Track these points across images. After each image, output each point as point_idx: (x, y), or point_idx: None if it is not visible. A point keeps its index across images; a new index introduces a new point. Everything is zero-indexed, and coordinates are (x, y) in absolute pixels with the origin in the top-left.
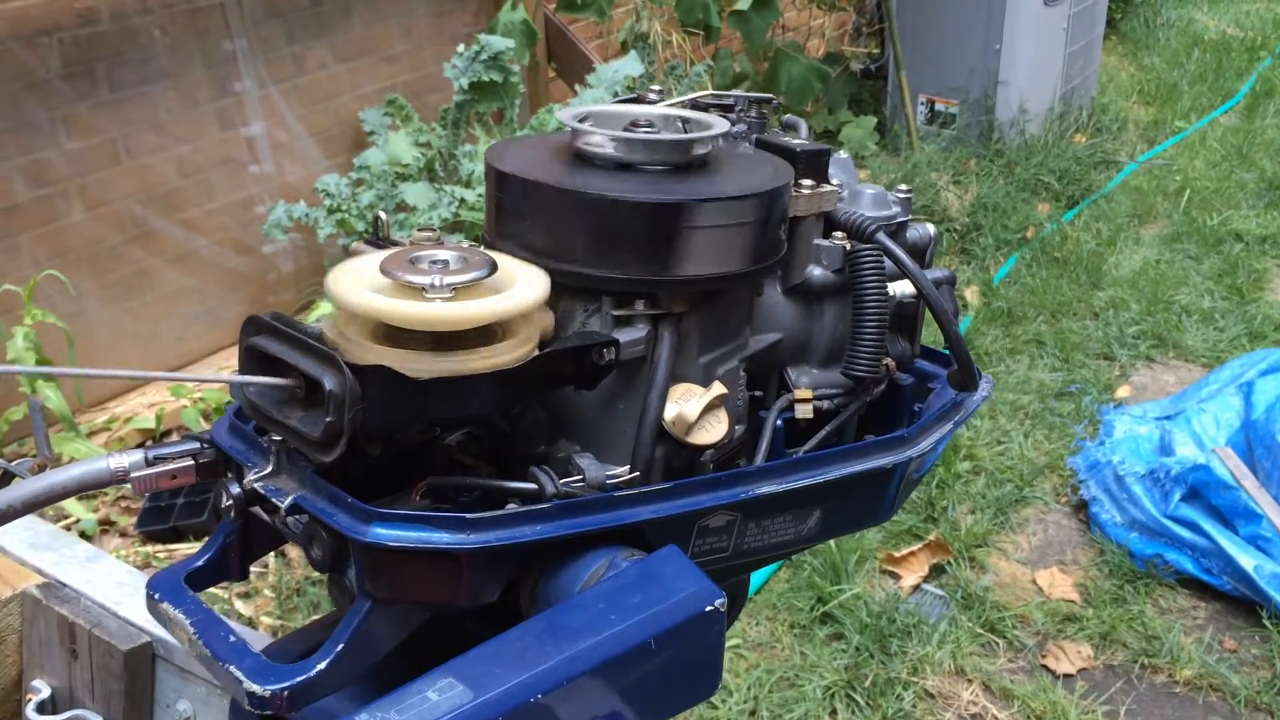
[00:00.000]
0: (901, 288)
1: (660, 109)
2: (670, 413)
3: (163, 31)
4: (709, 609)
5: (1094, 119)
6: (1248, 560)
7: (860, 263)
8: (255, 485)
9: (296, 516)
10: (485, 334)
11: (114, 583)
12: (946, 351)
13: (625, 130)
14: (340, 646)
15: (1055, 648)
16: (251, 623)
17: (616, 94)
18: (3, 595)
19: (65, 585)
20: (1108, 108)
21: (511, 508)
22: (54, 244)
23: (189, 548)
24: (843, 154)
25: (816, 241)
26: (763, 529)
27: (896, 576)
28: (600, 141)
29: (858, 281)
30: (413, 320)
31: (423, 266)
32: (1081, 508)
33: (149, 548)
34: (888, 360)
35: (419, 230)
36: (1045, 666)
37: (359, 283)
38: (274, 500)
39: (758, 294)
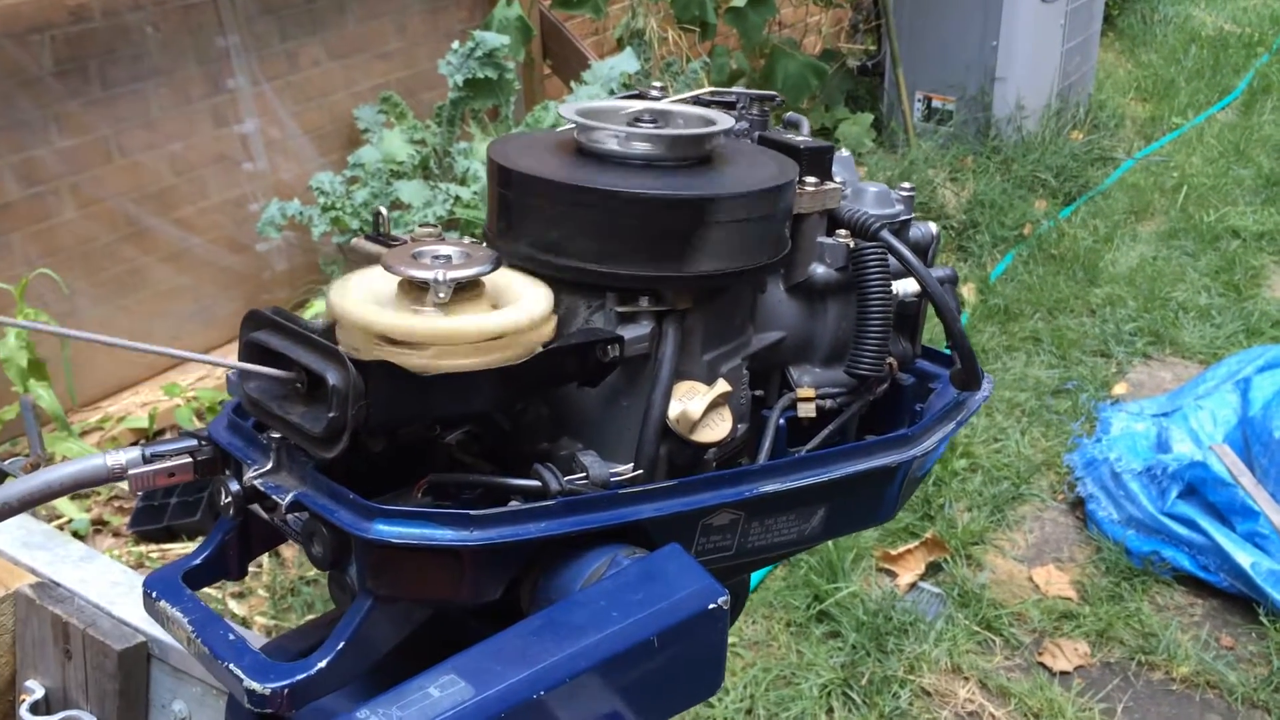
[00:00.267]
0: (904, 286)
1: (663, 105)
2: (674, 410)
3: (155, 28)
4: (712, 607)
5: (1091, 115)
6: (1245, 557)
7: (865, 261)
8: (255, 482)
9: (297, 514)
10: None
11: (108, 582)
12: (947, 351)
13: (630, 126)
14: (342, 644)
15: (1052, 645)
16: (245, 622)
17: (612, 91)
18: None
19: (59, 585)
20: (1105, 104)
21: (515, 505)
22: (46, 242)
23: (183, 548)
24: (844, 152)
25: (820, 239)
26: (766, 528)
27: (893, 574)
28: (605, 137)
29: (862, 280)
30: (414, 335)
31: (425, 261)
32: (1078, 505)
33: (142, 548)
34: (890, 359)
35: (421, 226)
36: (1042, 664)
37: (363, 293)
38: (274, 497)
39: (761, 292)
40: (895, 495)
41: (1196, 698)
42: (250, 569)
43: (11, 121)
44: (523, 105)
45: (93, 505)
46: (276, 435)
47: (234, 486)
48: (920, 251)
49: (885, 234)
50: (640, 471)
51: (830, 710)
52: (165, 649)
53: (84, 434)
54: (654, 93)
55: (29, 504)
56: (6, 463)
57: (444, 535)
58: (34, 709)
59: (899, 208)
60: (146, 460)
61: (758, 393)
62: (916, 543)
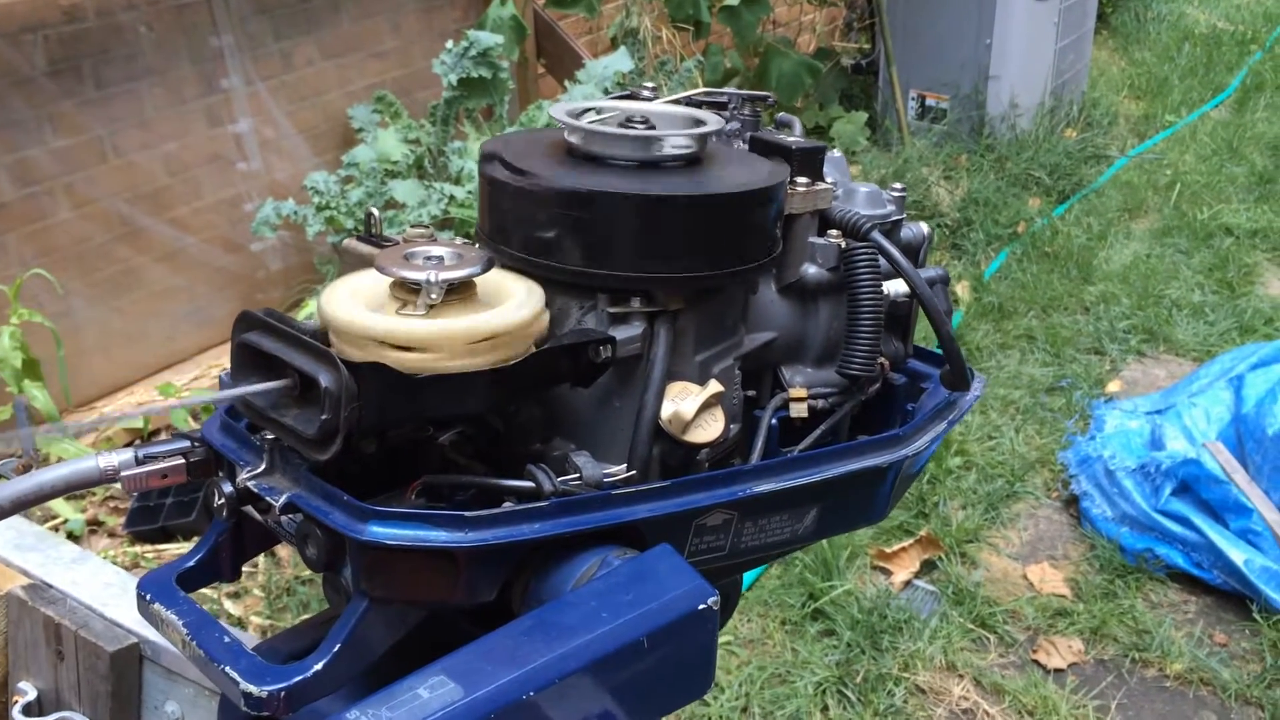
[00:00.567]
0: (895, 287)
1: (655, 105)
2: (667, 411)
3: (149, 28)
4: (702, 607)
5: (1085, 113)
6: (1238, 554)
7: (856, 261)
8: (248, 484)
9: (290, 515)
10: None
11: (100, 583)
12: (939, 351)
13: (621, 126)
14: (337, 646)
15: (1046, 643)
16: (241, 623)
17: (606, 90)
18: None
19: (51, 586)
20: (1098, 102)
21: (509, 506)
22: (40, 243)
23: (178, 548)
24: (836, 152)
25: (811, 240)
26: (759, 528)
27: (888, 572)
28: (596, 138)
29: (853, 280)
30: (406, 337)
31: (417, 262)
32: (1072, 503)
33: (138, 548)
34: (882, 359)
35: (412, 227)
36: (1036, 661)
37: (355, 294)
38: (268, 499)
39: (753, 292)
40: (887, 495)
41: (1190, 695)
42: (246, 569)
43: (5, 122)
44: (517, 104)
45: (88, 506)
46: (270, 437)
47: (227, 488)
48: (911, 252)
49: (876, 235)
50: (633, 472)
51: (825, 708)
52: (158, 650)
53: (79, 434)
54: (645, 93)
55: (21, 506)
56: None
57: (438, 537)
58: (26, 711)
59: (890, 208)
60: (139, 461)
61: (750, 393)
62: (911, 541)
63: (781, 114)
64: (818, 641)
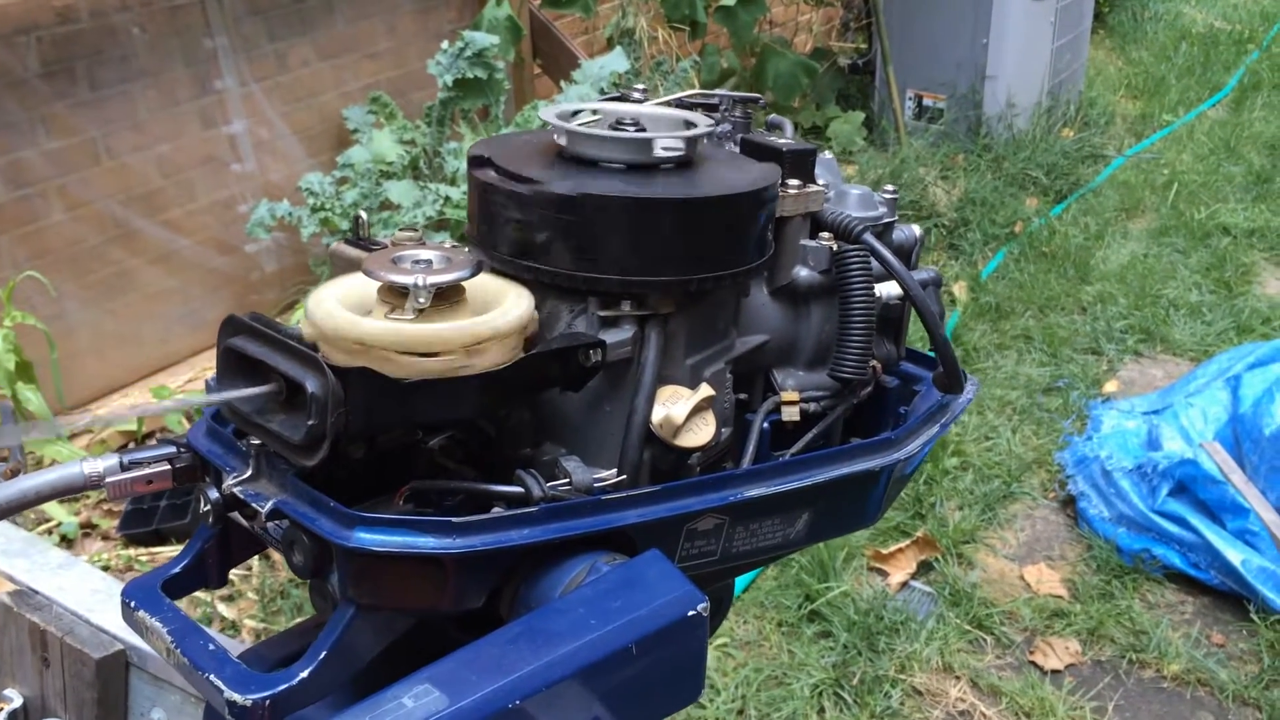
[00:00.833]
0: (888, 289)
1: (645, 108)
2: (658, 415)
3: (142, 29)
4: (691, 614)
5: (1082, 113)
6: (1235, 555)
7: (847, 264)
8: (234, 490)
9: (277, 522)
10: None
11: (86, 590)
12: (932, 354)
13: (611, 129)
14: (323, 654)
15: (1043, 644)
16: (235, 625)
17: (602, 90)
18: None
19: (37, 592)
20: (1095, 101)
21: (497, 511)
22: (34, 245)
23: (172, 550)
24: (828, 154)
25: (803, 242)
26: (751, 532)
27: (884, 574)
28: (585, 140)
29: (845, 283)
30: (393, 341)
31: (405, 266)
32: (1069, 503)
33: (131, 551)
34: (874, 362)
35: (400, 230)
36: (1033, 663)
37: (342, 298)
38: (254, 505)
39: (744, 295)
40: (879, 499)
41: (1187, 695)
42: (239, 572)
43: None
44: (513, 105)
45: (81, 508)
46: (256, 442)
47: (213, 494)
48: (903, 254)
49: (868, 237)
50: (624, 477)
51: (822, 710)
52: (144, 657)
53: (73, 437)
54: (637, 95)
55: (5, 513)
56: None
57: (426, 543)
58: (12, 718)
59: (882, 210)
60: (124, 468)
61: (741, 396)
62: (907, 542)
63: (773, 116)
64: (814, 643)
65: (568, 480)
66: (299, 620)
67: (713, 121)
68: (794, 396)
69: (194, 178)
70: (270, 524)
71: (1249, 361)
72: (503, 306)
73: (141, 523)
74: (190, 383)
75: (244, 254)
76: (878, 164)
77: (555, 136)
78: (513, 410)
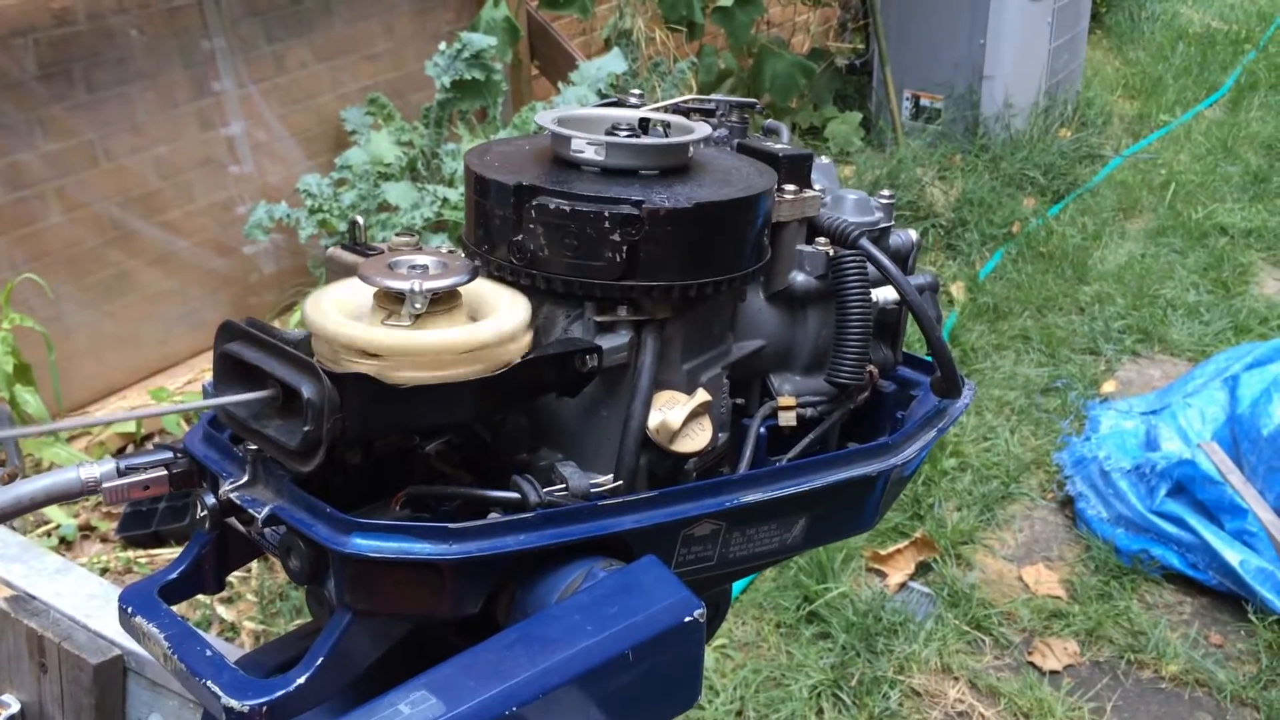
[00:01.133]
0: (885, 294)
1: (641, 113)
2: (654, 420)
3: (140, 31)
4: (688, 620)
5: (1079, 113)
6: (1233, 555)
7: (844, 269)
8: (231, 496)
9: (274, 527)
10: None
11: (84, 595)
12: (929, 358)
13: (607, 134)
14: (320, 660)
15: (1042, 644)
16: (234, 628)
17: (600, 91)
18: None
19: (34, 598)
20: (1093, 102)
21: (494, 517)
22: (32, 246)
23: (171, 553)
24: (824, 159)
25: (799, 247)
26: (747, 538)
27: (883, 574)
28: (581, 146)
29: (841, 288)
30: (389, 347)
31: (401, 271)
32: (1067, 504)
33: (130, 553)
34: (871, 367)
35: (397, 235)
36: (1032, 663)
37: (338, 304)
38: (250, 511)
39: (741, 300)
40: (876, 504)
41: (1185, 696)
42: (238, 574)
43: None
44: (510, 106)
45: (80, 510)
46: (252, 448)
47: (210, 500)
48: (900, 259)
49: (864, 242)
50: (620, 482)
51: (820, 711)
52: (142, 662)
53: (71, 439)
54: (633, 100)
55: (1, 518)
56: None
57: (422, 549)
58: None
59: (878, 215)
60: (121, 473)
61: (738, 401)
62: (906, 542)
63: (769, 120)
64: (813, 644)
65: (564, 486)
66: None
67: (709, 126)
68: (791, 402)
69: (192, 179)
70: (267, 530)
71: (1247, 362)
72: (499, 312)
73: (140, 525)
74: (189, 384)
75: (242, 255)
76: (875, 164)
77: (551, 142)
78: (509, 416)
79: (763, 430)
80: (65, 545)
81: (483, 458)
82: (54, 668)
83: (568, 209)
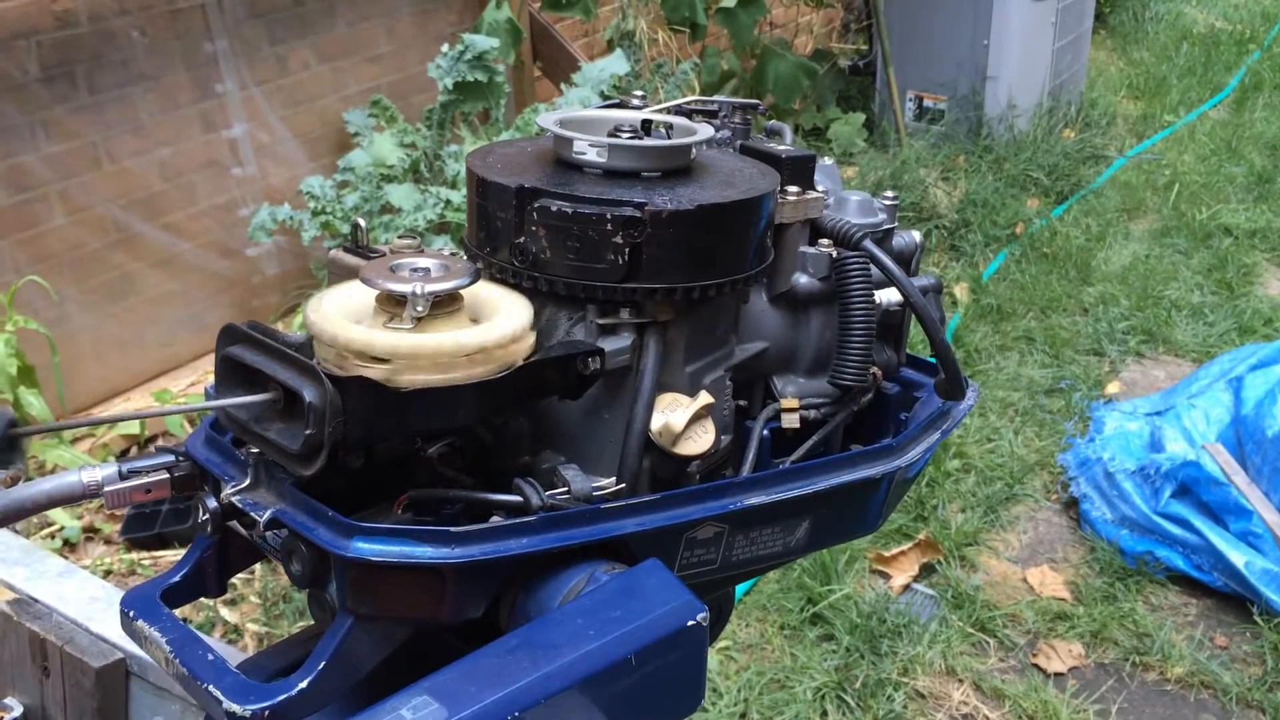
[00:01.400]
0: (888, 295)
1: (644, 114)
2: (657, 423)
3: (142, 33)
4: (691, 623)
5: (1083, 114)
6: (1238, 557)
7: (847, 270)
8: (232, 499)
9: (275, 531)
10: None
11: (86, 598)
12: (932, 359)
13: (609, 136)
14: (322, 664)
15: (1046, 646)
16: (237, 629)
17: (603, 93)
18: None
19: (36, 601)
20: (1096, 102)
21: (496, 521)
22: (35, 249)
23: (175, 554)
24: (827, 160)
25: (803, 249)
26: (751, 540)
27: (886, 576)
28: (584, 148)
29: (844, 289)
30: (391, 350)
31: (403, 274)
32: (1072, 505)
33: (134, 555)
34: (874, 369)
35: (399, 238)
36: (1036, 665)
37: (340, 307)
38: (252, 514)
39: (744, 302)
40: (880, 506)
41: (1191, 698)
42: (241, 576)
43: None
44: (513, 108)
45: (84, 512)
46: (254, 451)
47: (211, 503)
48: (903, 260)
49: (868, 243)
50: (623, 485)
51: (824, 714)
52: (144, 666)
53: (75, 441)
54: (635, 101)
55: (4, 522)
56: None
57: (424, 553)
58: None
59: (882, 216)
60: (123, 477)
61: (741, 404)
62: (910, 544)
63: (772, 122)
64: (816, 646)
65: (566, 489)
66: (298, 629)
67: (711, 128)
68: (794, 404)
69: (195, 181)
70: (269, 533)
71: (1251, 363)
72: (501, 315)
73: (144, 527)
74: (192, 386)
75: (245, 258)
76: (878, 165)
77: (553, 143)
78: (511, 419)
79: (766, 432)
80: (69, 547)
81: (485, 461)
82: (56, 671)
83: (570, 211)
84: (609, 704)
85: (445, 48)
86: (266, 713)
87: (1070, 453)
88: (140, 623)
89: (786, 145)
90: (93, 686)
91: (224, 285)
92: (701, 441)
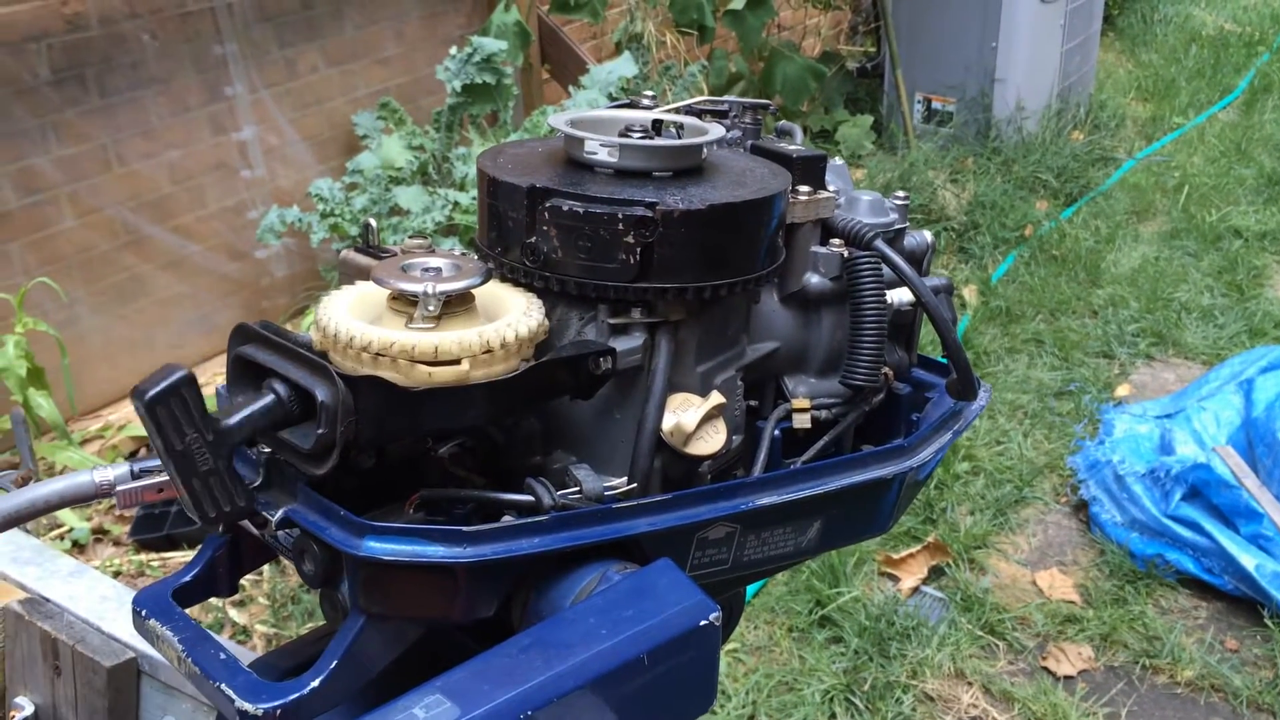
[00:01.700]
0: (899, 296)
1: (654, 114)
2: (668, 423)
3: (152, 36)
4: (703, 623)
5: (1091, 116)
6: (1249, 559)
7: (858, 270)
8: (252, 505)
9: (287, 530)
10: None
11: (97, 597)
12: (943, 360)
13: (620, 136)
14: (334, 664)
15: (1056, 649)
16: (246, 631)
17: (611, 95)
18: None
19: (48, 600)
20: (1105, 104)
21: (508, 520)
22: (45, 251)
23: (184, 555)
24: (838, 160)
25: (814, 249)
26: (762, 541)
27: (895, 579)
28: (595, 147)
29: (856, 289)
30: (403, 349)
31: (415, 274)
32: (1081, 508)
33: (143, 556)
34: (886, 369)
35: (410, 238)
36: (1046, 668)
37: (352, 306)
38: (264, 514)
39: (755, 302)
40: (891, 507)
41: (1201, 701)
42: (250, 577)
43: (9, 130)
44: (521, 110)
45: (93, 514)
46: (266, 450)
47: None
48: (914, 260)
49: (879, 243)
50: (634, 485)
51: (833, 716)
52: (155, 665)
53: (84, 443)
54: (645, 102)
55: (15, 521)
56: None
57: (436, 552)
58: None
59: (893, 216)
60: (135, 476)
61: (752, 404)
62: (919, 547)
63: (782, 122)
64: (825, 649)
65: (578, 489)
66: (310, 628)
67: (722, 128)
68: (805, 404)
69: (204, 184)
70: (280, 532)
71: (1261, 365)
72: (512, 314)
73: (153, 528)
74: (202, 388)
75: (254, 260)
76: (887, 167)
77: (564, 143)
78: (522, 418)
79: (777, 433)
80: (78, 548)
81: (496, 461)
82: (68, 670)
83: (581, 211)
84: (621, 703)
85: (453, 50)
86: (278, 711)
87: (1080, 455)
88: (152, 622)
89: (797, 145)
90: (104, 686)
91: (233, 287)
92: (713, 441)
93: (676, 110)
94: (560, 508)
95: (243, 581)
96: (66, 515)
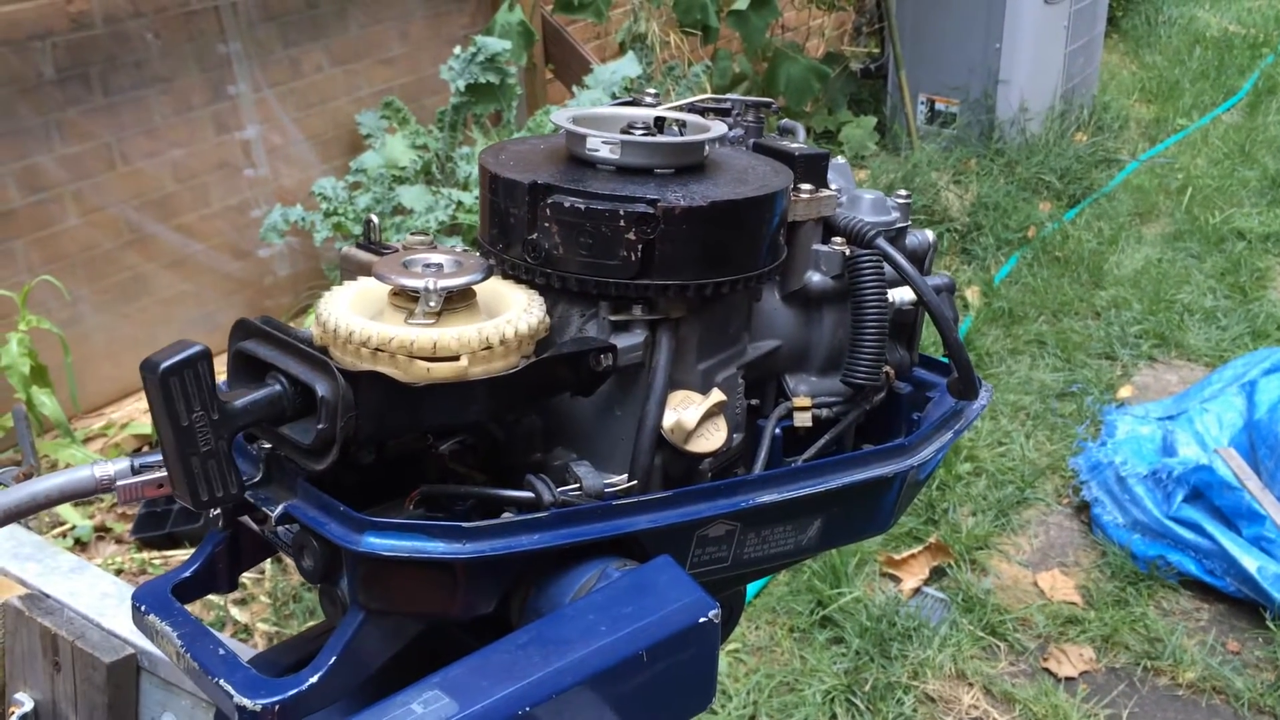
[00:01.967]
0: (901, 294)
1: (657, 112)
2: (669, 420)
3: (156, 35)
4: (703, 620)
5: (1095, 117)
6: (1251, 561)
7: (860, 268)
8: (244, 494)
9: (287, 526)
10: None
11: (98, 594)
12: (945, 359)
13: (622, 133)
14: (333, 659)
15: (1057, 650)
16: (247, 629)
17: (614, 95)
18: None
19: (48, 596)
20: (1109, 106)
21: (508, 517)
22: (48, 249)
23: (185, 553)
24: (840, 159)
25: (815, 247)
26: (762, 539)
27: (897, 579)
28: (597, 144)
29: (857, 287)
30: (404, 345)
31: (416, 270)
32: (1083, 509)
33: (144, 554)
34: (887, 368)
35: (411, 235)
36: (1047, 669)
37: (353, 302)
38: (264, 509)
39: (756, 300)
40: (892, 505)
41: (1202, 703)
42: (251, 575)
43: (13, 129)
44: (525, 110)
45: (95, 512)
46: (266, 446)
47: None
48: (916, 259)
49: (881, 241)
50: (634, 482)
51: (834, 717)
52: (155, 661)
53: (87, 440)
54: (648, 99)
55: (15, 516)
56: (0, 472)
57: (436, 548)
58: None
59: (895, 215)
60: (135, 471)
61: (753, 402)
62: (920, 547)
63: (785, 120)
64: (826, 649)
65: (578, 485)
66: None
67: (724, 126)
68: (806, 402)
69: (208, 183)
70: (280, 528)
71: (1264, 367)
72: (513, 311)
73: (155, 526)
74: None
75: (257, 259)
76: (890, 168)
77: (566, 140)
78: (523, 415)
79: (778, 431)
80: (80, 546)
81: (496, 457)
82: (67, 666)
83: (582, 207)
84: (620, 700)
85: (457, 50)
86: (277, 707)
87: (1082, 456)
88: (151, 617)
89: (799, 143)
90: (103, 682)
91: (236, 286)
92: (713, 439)
93: (679, 108)
94: (560, 504)
95: (244, 580)
96: (69, 513)
